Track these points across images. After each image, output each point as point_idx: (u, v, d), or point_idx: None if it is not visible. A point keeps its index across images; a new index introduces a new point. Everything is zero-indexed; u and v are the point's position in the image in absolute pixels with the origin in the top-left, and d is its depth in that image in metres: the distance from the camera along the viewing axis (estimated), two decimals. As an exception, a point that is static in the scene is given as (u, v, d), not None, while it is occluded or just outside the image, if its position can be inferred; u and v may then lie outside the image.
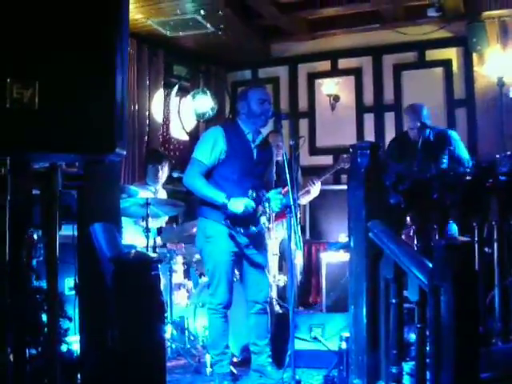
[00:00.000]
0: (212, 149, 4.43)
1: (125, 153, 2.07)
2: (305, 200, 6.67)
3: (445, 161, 5.67)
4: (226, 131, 4.50)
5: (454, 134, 5.87)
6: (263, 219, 4.43)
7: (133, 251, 2.47)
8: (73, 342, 3.01)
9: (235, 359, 4.90)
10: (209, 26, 6.96)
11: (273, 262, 6.06)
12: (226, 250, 4.41)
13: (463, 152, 5.74)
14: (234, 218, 4.31)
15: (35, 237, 2.99)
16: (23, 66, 1.87)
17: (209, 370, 4.69)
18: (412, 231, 4.31)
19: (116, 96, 1.97)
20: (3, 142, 1.88)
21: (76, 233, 3.05)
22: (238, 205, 4.27)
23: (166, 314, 5.42)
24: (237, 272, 4.74)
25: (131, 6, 6.15)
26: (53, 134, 1.90)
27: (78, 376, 2.83)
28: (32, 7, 1.89)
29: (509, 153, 4.26)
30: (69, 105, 1.91)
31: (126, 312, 2.41)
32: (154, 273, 2.42)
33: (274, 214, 4.36)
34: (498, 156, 4.27)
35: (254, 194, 4.31)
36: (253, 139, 4.54)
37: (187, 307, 5.59)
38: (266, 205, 4.36)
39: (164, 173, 6.37)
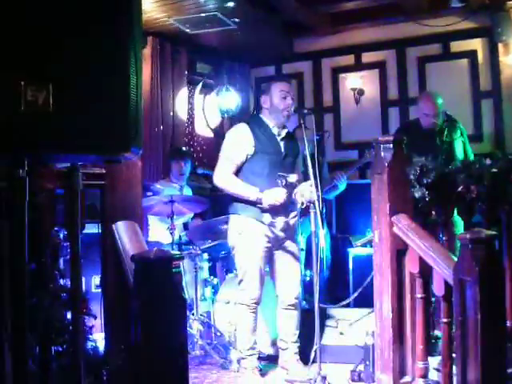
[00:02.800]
0: (240, 146, 4.47)
1: (141, 152, 2.07)
2: (331, 195, 6.65)
3: (461, 150, 5.64)
4: (251, 127, 4.52)
5: (462, 127, 5.86)
6: (298, 209, 4.38)
7: (154, 249, 2.48)
8: (98, 340, 3.03)
9: (261, 354, 4.91)
10: (230, 22, 6.95)
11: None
12: (259, 246, 4.43)
13: (469, 146, 5.74)
14: (271, 210, 4.34)
15: (61, 236, 3.02)
16: (36, 69, 1.88)
17: (235, 366, 4.70)
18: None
19: (130, 95, 1.97)
20: (18, 144, 1.89)
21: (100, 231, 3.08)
22: (272, 195, 4.29)
23: (192, 311, 5.45)
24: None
25: (152, 6, 6.26)
26: (66, 135, 1.91)
27: (104, 373, 2.85)
28: (43, 9, 1.89)
29: None
30: (83, 106, 1.92)
31: (148, 309, 2.42)
32: (176, 270, 2.43)
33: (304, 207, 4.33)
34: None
35: (284, 182, 4.29)
36: (278, 133, 4.54)
37: (213, 303, 5.61)
38: (300, 195, 4.33)
39: (187, 169, 6.41)
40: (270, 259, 4.58)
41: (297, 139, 4.70)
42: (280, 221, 4.41)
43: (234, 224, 4.58)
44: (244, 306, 4.48)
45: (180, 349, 2.48)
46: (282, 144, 4.55)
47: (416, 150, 5.47)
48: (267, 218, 4.39)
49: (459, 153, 5.64)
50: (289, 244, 4.55)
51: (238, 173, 4.48)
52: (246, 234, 4.46)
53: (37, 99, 1.84)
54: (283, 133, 4.57)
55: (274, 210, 4.37)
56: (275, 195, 4.30)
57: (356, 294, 4.56)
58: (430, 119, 5.64)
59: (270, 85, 4.63)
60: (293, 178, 4.33)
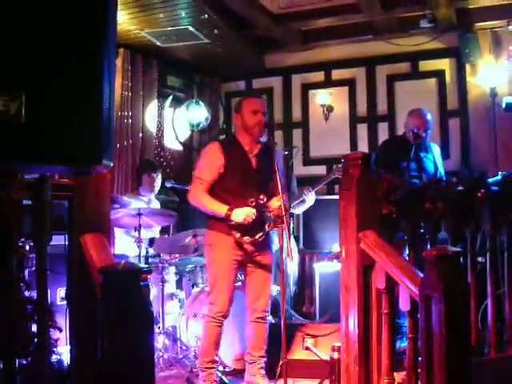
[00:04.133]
0: (211, 165, 4.53)
1: (112, 164, 2.07)
2: (299, 210, 6.68)
3: (432, 170, 5.74)
4: (222, 146, 4.57)
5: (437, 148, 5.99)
6: (266, 226, 4.42)
7: (122, 262, 2.47)
8: (63, 353, 3.00)
9: (227, 369, 4.89)
10: (202, 36, 6.98)
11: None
12: (229, 259, 4.45)
13: (442, 167, 5.85)
14: (241, 227, 4.36)
15: (27, 247, 2.99)
16: (9, 79, 1.87)
17: (201, 380, 4.67)
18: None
19: (103, 108, 1.97)
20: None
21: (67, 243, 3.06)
22: (240, 214, 4.34)
23: (158, 324, 5.42)
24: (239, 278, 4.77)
25: (124, 18, 6.26)
26: (39, 146, 1.90)
27: (68, 386, 2.83)
28: (17, 19, 1.89)
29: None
30: (55, 117, 1.91)
31: (115, 322, 2.40)
32: (143, 283, 2.42)
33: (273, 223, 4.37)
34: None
35: (254, 202, 4.36)
36: (251, 150, 4.56)
37: (179, 317, 5.59)
38: (267, 212, 4.37)
39: (159, 181, 6.41)
40: (242, 272, 4.61)
41: (273, 153, 4.71)
42: (248, 238, 4.43)
43: (206, 239, 4.65)
44: (210, 318, 4.47)
45: (147, 362, 2.46)
46: (253, 161, 4.57)
47: (398, 165, 5.56)
48: (236, 233, 4.41)
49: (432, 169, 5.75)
50: (261, 258, 4.57)
51: (211, 190, 4.52)
52: (215, 247, 4.50)
53: (9, 109, 1.83)
54: (256, 150, 4.59)
55: (244, 227, 4.39)
56: (244, 214, 4.35)
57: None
58: (417, 135, 5.67)
59: (242, 102, 4.66)
60: (264, 198, 4.41)
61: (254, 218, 4.34)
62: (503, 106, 6.87)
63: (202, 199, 4.50)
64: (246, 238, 4.42)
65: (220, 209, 4.41)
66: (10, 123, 1.84)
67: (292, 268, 6.35)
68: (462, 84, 7.57)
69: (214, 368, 4.51)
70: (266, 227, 4.39)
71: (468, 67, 7.43)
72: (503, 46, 7.14)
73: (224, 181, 4.51)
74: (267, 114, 4.63)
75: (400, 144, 5.87)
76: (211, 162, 4.54)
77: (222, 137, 7.91)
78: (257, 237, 4.43)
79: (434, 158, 5.84)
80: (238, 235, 4.39)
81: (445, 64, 7.76)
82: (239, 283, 4.81)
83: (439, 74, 7.80)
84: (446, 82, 7.75)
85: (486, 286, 4.00)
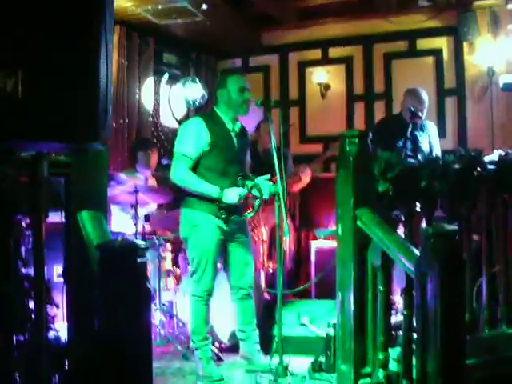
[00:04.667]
0: (196, 141, 4.42)
1: (109, 141, 2.07)
2: (296, 188, 6.69)
3: (427, 149, 5.75)
4: (206, 122, 4.49)
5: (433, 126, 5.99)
6: (257, 203, 4.43)
7: (119, 238, 2.47)
8: (60, 329, 3.01)
9: (223, 345, 4.92)
10: (199, 13, 6.93)
11: (262, 249, 6.09)
12: (213, 239, 4.43)
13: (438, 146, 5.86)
14: (228, 207, 4.37)
15: (23, 224, 2.99)
16: (6, 55, 1.86)
17: (196, 357, 4.71)
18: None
19: (100, 85, 1.96)
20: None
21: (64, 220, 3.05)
22: (233, 195, 4.34)
23: (154, 301, 5.44)
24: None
25: (120, -6, 6.18)
26: (36, 123, 1.90)
27: (66, 362, 2.84)
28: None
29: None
30: (52, 94, 1.91)
31: (112, 298, 2.41)
32: (140, 259, 2.43)
33: (263, 201, 4.38)
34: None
35: (242, 182, 4.35)
36: (232, 128, 4.54)
37: (176, 294, 5.61)
38: (256, 190, 4.36)
39: (153, 159, 6.42)
40: (224, 251, 4.59)
41: (247, 131, 4.71)
42: (234, 217, 4.44)
43: (187, 217, 4.53)
44: (196, 298, 4.49)
45: (144, 338, 2.48)
46: (235, 139, 4.55)
47: (395, 144, 5.56)
48: (222, 213, 4.40)
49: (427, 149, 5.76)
50: (240, 236, 4.59)
51: (194, 169, 4.45)
52: (200, 227, 4.44)
53: (5, 85, 1.82)
54: (237, 128, 4.57)
55: (230, 207, 4.39)
56: (238, 196, 4.35)
57: (314, 281, 4.57)
58: (415, 114, 5.67)
59: (226, 78, 4.61)
60: (252, 177, 4.44)
61: (246, 198, 4.36)
62: (501, 85, 6.86)
63: (190, 178, 4.40)
64: (235, 215, 4.44)
65: (211, 190, 4.35)
66: (7, 100, 1.84)
67: (288, 245, 6.37)
68: (460, 63, 7.55)
69: (207, 345, 4.53)
70: (256, 205, 4.39)
71: (466, 46, 7.40)
72: (501, 24, 7.11)
73: (207, 158, 4.42)
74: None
75: (396, 123, 5.87)
76: (196, 138, 4.41)
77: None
78: (248, 216, 4.47)
79: (430, 137, 5.84)
80: (225, 215, 4.39)
81: (442, 42, 7.74)
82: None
83: (437, 53, 7.77)
84: (443, 60, 7.74)
85: (481, 264, 4.03)
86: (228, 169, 4.44)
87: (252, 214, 4.49)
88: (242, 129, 4.65)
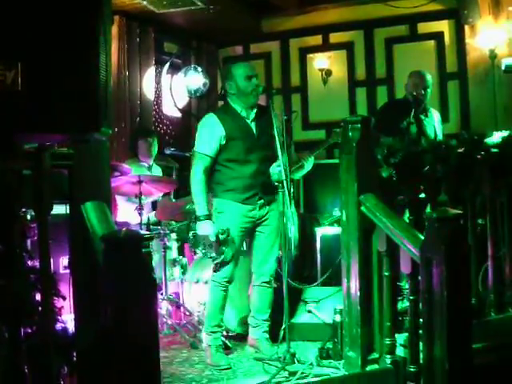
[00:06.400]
0: (211, 138, 4.45)
1: (110, 131, 2.06)
2: (298, 175, 6.67)
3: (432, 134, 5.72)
4: (219, 116, 4.51)
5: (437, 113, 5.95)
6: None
7: (123, 229, 2.47)
8: (67, 321, 3.02)
9: (231, 333, 4.93)
10: (199, 1, 6.89)
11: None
12: (236, 227, 4.44)
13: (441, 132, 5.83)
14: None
15: (28, 217, 2.99)
16: (5, 48, 1.85)
17: (204, 344, 4.72)
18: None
19: (100, 75, 1.95)
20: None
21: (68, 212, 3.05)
22: (205, 229, 4.44)
23: (161, 291, 5.45)
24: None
25: (119, -16, 6.14)
26: (37, 115, 1.89)
27: (73, 354, 2.85)
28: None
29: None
30: (52, 85, 1.90)
31: (118, 289, 2.42)
32: (145, 250, 2.43)
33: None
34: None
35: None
36: (248, 115, 4.54)
37: (182, 283, 5.62)
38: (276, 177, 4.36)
39: (155, 147, 6.44)
40: (249, 236, 4.60)
41: (268, 110, 4.65)
42: (260, 203, 4.45)
43: (214, 205, 4.57)
44: (215, 283, 4.50)
45: (150, 329, 2.48)
46: (253, 125, 4.54)
47: (399, 127, 5.52)
48: (246, 199, 4.43)
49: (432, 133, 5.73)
50: (269, 222, 4.57)
51: (214, 163, 4.48)
52: (224, 214, 4.47)
53: (5, 78, 1.82)
54: (253, 114, 4.56)
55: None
56: (203, 231, 4.46)
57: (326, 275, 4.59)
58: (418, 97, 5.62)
59: (231, 69, 4.62)
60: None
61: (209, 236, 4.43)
62: (503, 67, 6.81)
63: (196, 183, 4.44)
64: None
65: (200, 208, 4.43)
66: (7, 92, 1.83)
67: (293, 232, 6.37)
68: (461, 46, 7.50)
69: (218, 332, 4.54)
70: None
71: (467, 29, 7.35)
72: (502, 6, 7.07)
73: (227, 151, 4.46)
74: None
75: (401, 106, 5.83)
76: (210, 135, 4.46)
77: (221, 103, 7.84)
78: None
79: (434, 124, 5.80)
80: (250, 201, 4.42)
81: (443, 26, 7.70)
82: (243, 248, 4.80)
83: (438, 37, 7.73)
84: (444, 44, 7.70)
85: (486, 247, 4.03)
86: (249, 157, 4.45)
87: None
88: (259, 111, 4.60)
